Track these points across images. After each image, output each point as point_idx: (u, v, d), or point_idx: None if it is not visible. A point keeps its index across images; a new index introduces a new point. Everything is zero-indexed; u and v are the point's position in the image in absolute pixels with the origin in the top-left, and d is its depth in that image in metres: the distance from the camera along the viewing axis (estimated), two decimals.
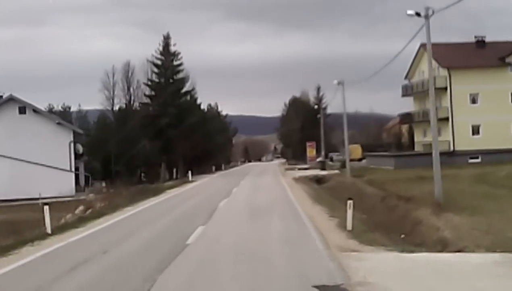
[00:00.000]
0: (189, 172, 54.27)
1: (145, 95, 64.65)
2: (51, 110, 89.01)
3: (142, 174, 75.49)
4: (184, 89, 65.01)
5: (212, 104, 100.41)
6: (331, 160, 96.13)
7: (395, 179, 41.93)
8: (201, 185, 46.81)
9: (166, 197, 35.03)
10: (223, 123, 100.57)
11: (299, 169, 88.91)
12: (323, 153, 76.52)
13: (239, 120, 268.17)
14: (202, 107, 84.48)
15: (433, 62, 59.00)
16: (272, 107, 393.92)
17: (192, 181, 52.40)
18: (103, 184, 63.32)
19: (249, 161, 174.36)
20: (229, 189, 37.62)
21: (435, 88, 58.10)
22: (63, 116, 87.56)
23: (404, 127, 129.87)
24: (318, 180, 53.09)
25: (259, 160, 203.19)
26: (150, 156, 63.85)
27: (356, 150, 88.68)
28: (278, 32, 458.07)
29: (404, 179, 40.74)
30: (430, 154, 25.88)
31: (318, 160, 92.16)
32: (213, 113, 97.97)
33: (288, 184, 43.86)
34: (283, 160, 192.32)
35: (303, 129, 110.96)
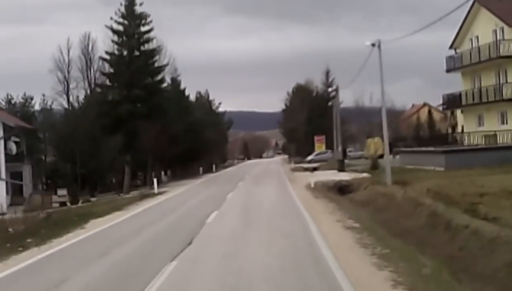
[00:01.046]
0: (155, 180, 36.94)
1: (102, 73, 47.55)
2: (9, 102, 72.58)
3: (113, 179, 58.84)
4: (157, 64, 47.38)
5: (202, 92, 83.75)
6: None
7: (479, 191, 24.88)
8: (163, 205, 29.28)
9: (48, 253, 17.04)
10: (215, 115, 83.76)
11: (307, 169, 72.50)
12: (339, 148, 59.44)
13: (239, 116, 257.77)
14: (190, 95, 67.56)
15: (495, 20, 40.29)
16: (273, 102, 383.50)
17: (157, 194, 35.51)
18: (65, 193, 48.08)
19: (249, 158, 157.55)
20: (202, 217, 20.73)
21: (499, 57, 40.24)
22: (23, 110, 71.23)
23: (424, 118, 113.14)
24: (341, 189, 36.64)
25: (260, 157, 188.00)
26: (116, 156, 47.28)
27: (377, 145, 72.01)
28: (278, 26, 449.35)
29: (497, 189, 23.72)
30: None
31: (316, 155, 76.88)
32: (202, 103, 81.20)
33: (303, 199, 27.15)
34: (285, 156, 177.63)
35: (310, 121, 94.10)
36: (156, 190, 35.68)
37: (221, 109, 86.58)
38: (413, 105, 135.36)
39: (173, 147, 51.83)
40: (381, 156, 72.43)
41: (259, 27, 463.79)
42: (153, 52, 44.34)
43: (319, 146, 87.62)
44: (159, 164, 53.42)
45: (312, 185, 34.81)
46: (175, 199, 31.52)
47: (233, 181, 43.76)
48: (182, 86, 65.82)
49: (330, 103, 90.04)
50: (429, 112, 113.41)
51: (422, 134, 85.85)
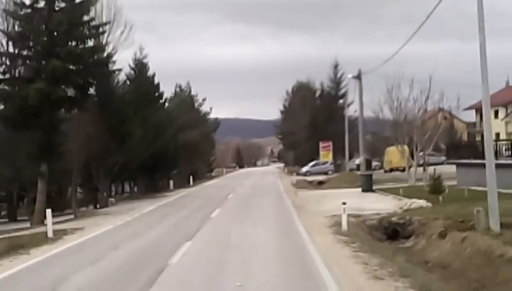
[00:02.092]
0: (48, 213, 19.59)
1: (4, 34, 30.38)
2: None
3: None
4: (94, 23, 30.22)
5: (183, 85, 67.05)
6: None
7: None
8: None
9: None
10: (199, 114, 67.04)
11: (311, 183, 56.27)
12: (361, 158, 42.97)
13: (235, 123, 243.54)
14: (160, 84, 50.82)
15: None
16: (269, 110, 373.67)
17: (51, 240, 18.51)
18: None
19: (241, 167, 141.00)
20: None
21: None
22: None
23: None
24: (393, 231, 20.67)
25: (254, 165, 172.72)
26: (26, 165, 30.81)
27: (401, 154, 55.76)
28: (276, 34, 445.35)
29: None
30: None
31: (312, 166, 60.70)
32: (181, 99, 64.60)
33: (347, 276, 10.41)
34: (281, 165, 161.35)
35: (314, 125, 77.54)
36: (51, 232, 18.81)
37: (205, 107, 70.19)
38: (426, 111, 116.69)
39: (126, 151, 35.34)
40: (402, 169, 55.92)
41: (257, 34, 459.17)
42: (87, 3, 27.75)
43: (325, 154, 71.02)
44: (105, 176, 36.68)
45: (344, 225, 18.20)
46: (56, 264, 14.65)
47: (207, 207, 27.27)
48: (154, 76, 49.07)
49: (341, 101, 73.60)
50: (445, 118, 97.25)
51: (458, 143, 69.79)
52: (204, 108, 69.38)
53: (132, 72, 45.96)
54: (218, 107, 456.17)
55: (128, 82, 45.28)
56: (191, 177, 51.31)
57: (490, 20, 15.98)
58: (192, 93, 65.69)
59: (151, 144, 42.23)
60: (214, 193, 38.84)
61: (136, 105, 40.33)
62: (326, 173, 65.84)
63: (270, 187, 44.74)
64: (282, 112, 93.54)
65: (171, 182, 47.49)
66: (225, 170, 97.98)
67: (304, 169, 67.16)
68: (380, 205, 26.17)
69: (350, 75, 36.81)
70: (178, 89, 64.37)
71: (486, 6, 14.59)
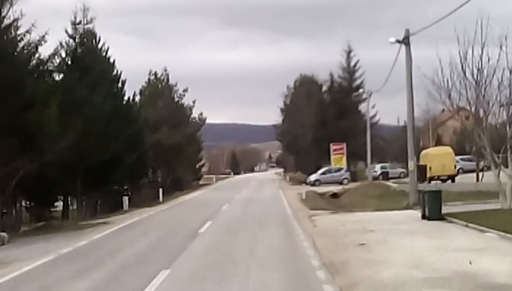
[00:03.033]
0: None
1: None
2: None
3: None
4: None
5: (159, 72, 52.32)
6: (384, 175, 49.29)
7: None
8: None
9: None
10: (179, 108, 51.97)
11: (323, 195, 42.85)
12: (411, 163, 28.18)
13: (233, 128, 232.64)
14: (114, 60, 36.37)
15: None
16: (266, 115, 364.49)
17: None
18: None
19: (236, 173, 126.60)
20: None
21: None
22: None
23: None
24: None
25: (252, 171, 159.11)
26: None
27: (447, 159, 41.79)
28: (273, 39, 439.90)
29: None
30: None
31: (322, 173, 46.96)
32: (156, 89, 50.11)
33: None
34: (280, 170, 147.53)
35: (322, 124, 63.43)
36: None
37: (188, 100, 55.27)
38: (443, 111, 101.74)
39: (36, 153, 21.10)
40: (451, 177, 41.95)
41: (254, 39, 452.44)
42: None
43: (337, 159, 56.70)
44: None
45: None
46: None
47: (144, 266, 12.82)
48: (107, 50, 34.71)
49: (356, 93, 59.48)
50: (467, 118, 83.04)
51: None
52: (187, 102, 54.97)
53: (72, 41, 31.77)
54: (215, 113, 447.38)
55: (64, 54, 30.98)
56: (160, 191, 36.35)
57: None
58: (171, 82, 51.25)
59: (94, 144, 27.93)
60: (182, 219, 24.43)
61: (64, 85, 26.18)
62: (340, 182, 51.64)
63: (271, 206, 30.43)
64: (282, 110, 79.22)
65: (126, 200, 32.75)
66: (216, 177, 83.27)
67: (313, 177, 52.91)
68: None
69: (392, 39, 26.05)
70: (152, 77, 50.00)
71: None
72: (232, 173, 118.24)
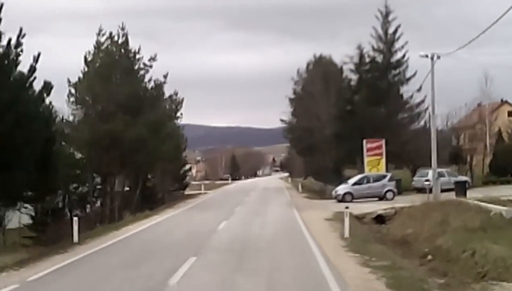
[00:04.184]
0: None
1: None
2: None
3: None
4: None
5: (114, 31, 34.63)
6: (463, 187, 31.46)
7: None
8: None
9: None
10: (138, 83, 33.92)
11: (362, 219, 25.83)
12: None
13: (236, 131, 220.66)
14: None
15: None
16: (271, 118, 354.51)
17: None
18: None
19: (235, 179, 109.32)
20: None
21: None
22: None
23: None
24: None
25: (254, 175, 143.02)
26: None
27: None
28: (278, 42, 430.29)
29: None
30: None
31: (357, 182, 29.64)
32: (108, 53, 32.69)
33: None
34: (285, 174, 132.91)
35: (348, 115, 46.25)
36: None
37: (156, 74, 37.01)
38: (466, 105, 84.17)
39: None
40: None
41: (259, 42, 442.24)
42: None
43: (373, 162, 39.37)
44: None
45: None
46: None
47: None
48: None
49: (398, 71, 42.30)
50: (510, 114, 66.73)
51: None
52: (146, 62, 36.13)
53: None
54: (219, 116, 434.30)
55: None
56: (74, 223, 18.54)
57: None
58: (130, 47, 33.42)
59: None
60: None
61: None
62: (381, 197, 34.38)
63: (291, 268, 12.90)
64: (291, 101, 61.68)
65: None
66: (207, 184, 65.37)
67: (341, 189, 35.29)
68: None
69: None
70: (103, 38, 32.51)
71: None
72: (229, 179, 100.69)
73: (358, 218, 27.86)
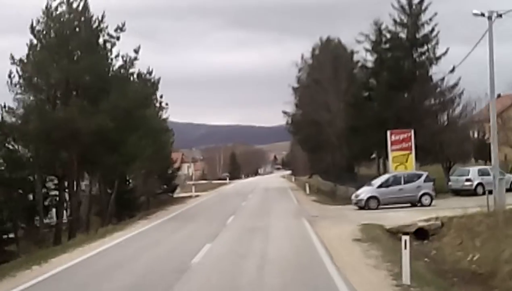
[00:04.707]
0: None
1: None
2: None
3: None
4: None
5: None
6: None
7: None
8: None
9: None
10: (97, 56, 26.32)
11: (396, 233, 17.21)
12: None
13: (237, 130, 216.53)
14: None
15: None
16: (271, 117, 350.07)
17: None
18: None
19: (234, 178, 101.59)
20: None
21: None
22: None
23: None
24: None
25: (255, 173, 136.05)
26: None
27: None
28: (277, 40, 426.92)
29: None
30: None
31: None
32: (67, 23, 24.92)
33: None
34: (287, 172, 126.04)
35: (364, 103, 38.64)
36: None
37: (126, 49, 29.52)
38: (499, 96, 76.06)
39: None
40: None
41: (259, 41, 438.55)
42: None
43: (400, 158, 31.55)
44: None
45: None
46: None
47: None
48: None
49: (426, 48, 34.48)
50: None
51: None
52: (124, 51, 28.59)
53: None
54: (219, 114, 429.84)
55: None
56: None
57: None
58: (92, 13, 25.53)
59: None
60: None
61: None
62: (414, 203, 26.74)
63: None
64: (295, 90, 53.90)
65: None
66: (193, 185, 57.10)
67: (364, 193, 27.33)
68: None
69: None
70: (55, 2, 24.68)
71: None
72: (228, 178, 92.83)
73: (392, 233, 20.36)
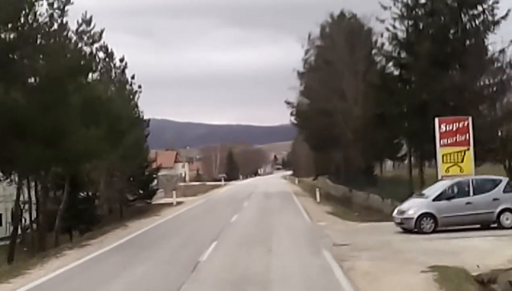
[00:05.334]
0: None
1: None
2: None
3: None
4: None
5: None
6: None
7: None
8: None
9: None
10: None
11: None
12: None
13: (236, 129, 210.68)
14: None
15: None
16: (271, 116, 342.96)
17: None
18: None
19: (232, 179, 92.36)
20: None
21: None
22: None
23: None
24: None
25: (255, 174, 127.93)
26: None
27: None
28: (275, 39, 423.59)
29: None
30: None
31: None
32: None
33: None
34: (288, 173, 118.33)
35: (395, 84, 29.35)
36: None
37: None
38: None
39: None
40: None
41: (256, 39, 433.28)
42: None
43: (453, 156, 22.09)
44: None
45: None
46: None
47: None
48: None
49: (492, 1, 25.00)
50: None
51: None
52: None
53: None
54: (218, 114, 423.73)
55: None
56: None
57: None
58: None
59: None
60: None
61: None
62: (488, 223, 17.52)
63: None
64: (300, 75, 44.56)
65: None
66: (173, 195, 48.00)
67: (413, 207, 17.96)
68: None
69: None
70: None
71: None
72: (223, 180, 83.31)
73: (480, 283, 11.34)
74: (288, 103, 45.71)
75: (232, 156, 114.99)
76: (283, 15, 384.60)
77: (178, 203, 35.70)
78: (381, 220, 21.68)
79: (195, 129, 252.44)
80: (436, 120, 22.65)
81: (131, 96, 31.49)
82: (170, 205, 34.79)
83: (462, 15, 26.92)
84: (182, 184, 72.50)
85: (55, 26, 17.31)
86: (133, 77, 30.82)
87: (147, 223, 24.01)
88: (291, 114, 45.98)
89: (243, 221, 23.13)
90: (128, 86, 30.76)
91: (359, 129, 35.00)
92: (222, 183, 74.67)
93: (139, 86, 31.80)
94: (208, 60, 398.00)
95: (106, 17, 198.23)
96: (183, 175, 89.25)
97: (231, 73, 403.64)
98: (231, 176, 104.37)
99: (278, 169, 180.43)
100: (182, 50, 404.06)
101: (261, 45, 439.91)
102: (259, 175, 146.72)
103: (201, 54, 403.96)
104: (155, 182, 41.71)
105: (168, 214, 28.29)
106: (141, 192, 36.50)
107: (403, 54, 28.85)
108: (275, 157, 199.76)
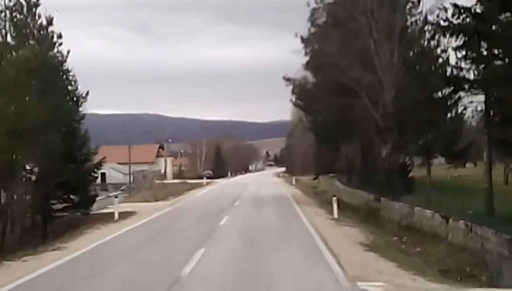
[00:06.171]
0: None
1: None
2: None
3: None
4: None
5: None
6: None
7: None
8: None
9: None
10: None
11: None
12: None
13: (230, 125, 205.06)
14: None
15: None
16: (264, 112, 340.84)
17: None
18: None
19: (220, 177, 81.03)
20: None
21: None
22: None
23: None
24: None
25: (246, 171, 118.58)
26: None
27: None
28: (270, 35, 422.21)
29: None
30: None
31: None
32: None
33: None
34: (280, 169, 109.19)
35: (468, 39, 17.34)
36: None
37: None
38: None
39: None
40: None
41: (251, 35, 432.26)
42: None
43: None
44: None
45: None
46: None
47: None
48: None
49: None
50: None
51: None
52: None
53: None
54: (212, 110, 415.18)
55: None
56: None
57: None
58: None
59: None
60: None
61: None
62: None
63: None
64: (306, 42, 32.69)
65: None
66: (147, 191, 36.00)
67: None
68: None
69: None
70: None
71: None
72: (205, 177, 71.44)
73: None
74: (287, 80, 33.94)
75: (220, 151, 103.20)
76: (279, 12, 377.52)
77: (126, 215, 23.79)
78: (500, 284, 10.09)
79: (189, 125, 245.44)
80: None
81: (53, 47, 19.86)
82: (112, 217, 22.93)
83: None
84: (159, 181, 60.94)
85: None
86: (51, 21, 18.96)
87: (39, 266, 12.00)
88: (293, 92, 34.19)
89: (207, 275, 11.12)
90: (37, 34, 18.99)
91: (396, 112, 23.55)
92: (204, 181, 62.83)
93: (60, 36, 20.09)
94: (203, 56, 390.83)
95: (103, 13, 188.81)
96: (163, 171, 77.54)
97: (225, 69, 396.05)
98: (219, 173, 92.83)
99: (270, 165, 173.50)
100: (177, 45, 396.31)
101: (256, 41, 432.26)
102: (250, 171, 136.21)
103: (197, 50, 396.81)
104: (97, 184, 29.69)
105: (94, 240, 16.12)
106: (72, 197, 24.72)
107: (474, 5, 17.29)
108: (267, 153, 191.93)
